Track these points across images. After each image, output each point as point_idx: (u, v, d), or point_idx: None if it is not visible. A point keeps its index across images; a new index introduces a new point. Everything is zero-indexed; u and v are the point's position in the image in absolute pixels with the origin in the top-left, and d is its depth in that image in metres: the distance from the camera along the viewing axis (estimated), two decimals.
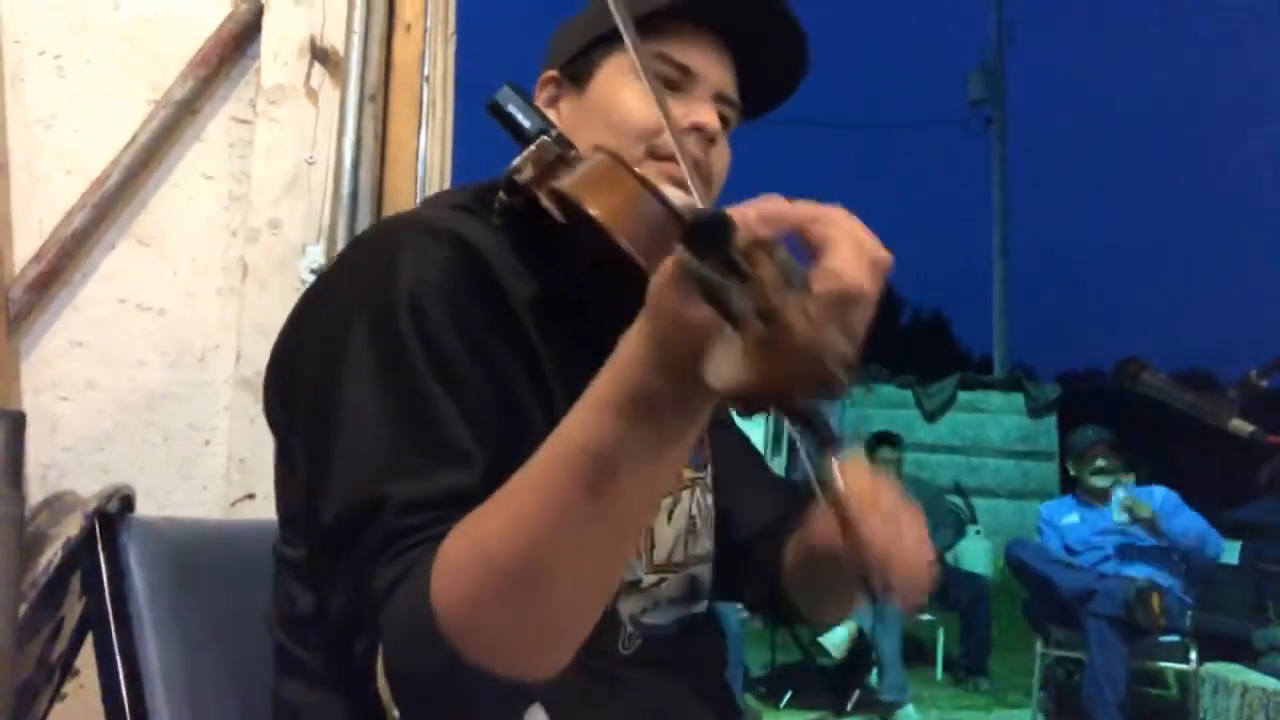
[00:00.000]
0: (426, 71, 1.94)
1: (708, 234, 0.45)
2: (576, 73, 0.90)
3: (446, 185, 1.92)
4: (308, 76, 1.89)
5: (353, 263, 0.81)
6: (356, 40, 1.87)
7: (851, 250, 0.51)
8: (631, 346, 0.55)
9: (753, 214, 0.51)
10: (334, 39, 1.89)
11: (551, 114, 0.90)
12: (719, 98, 0.88)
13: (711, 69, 0.87)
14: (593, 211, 0.68)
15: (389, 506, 0.66)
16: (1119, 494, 4.12)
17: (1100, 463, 4.23)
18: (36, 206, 1.82)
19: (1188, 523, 4.01)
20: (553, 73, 0.93)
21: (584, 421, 0.57)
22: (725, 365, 0.46)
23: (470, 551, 0.61)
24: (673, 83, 0.85)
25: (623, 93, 0.86)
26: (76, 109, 1.85)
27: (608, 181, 0.70)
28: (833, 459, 0.81)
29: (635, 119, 0.85)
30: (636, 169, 0.74)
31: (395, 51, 1.94)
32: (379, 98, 1.90)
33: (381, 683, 0.65)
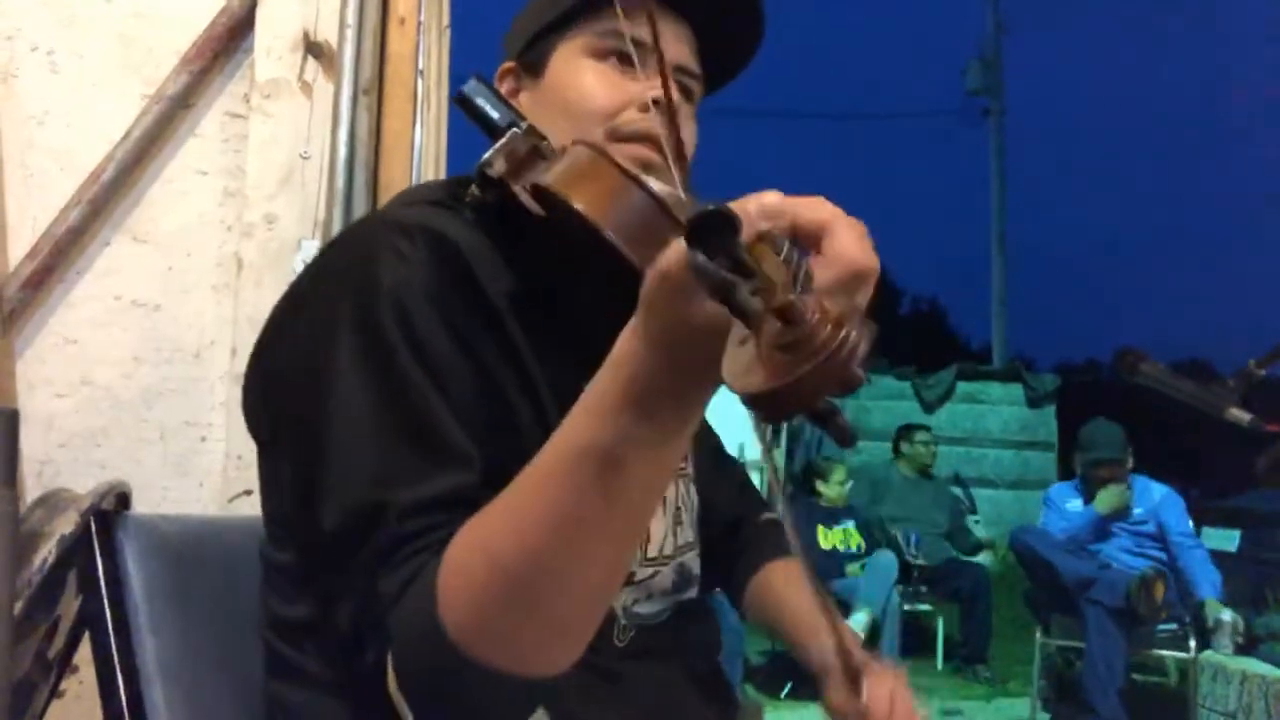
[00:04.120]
0: (421, 65, 1.94)
1: (715, 230, 0.43)
2: (532, 62, 0.90)
3: (442, 179, 1.92)
4: (302, 70, 1.88)
5: (332, 264, 0.80)
6: (350, 34, 1.87)
7: (848, 230, 0.50)
8: (630, 345, 0.54)
9: (753, 208, 0.50)
10: (328, 33, 1.89)
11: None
12: (678, 69, 0.88)
13: (666, 41, 0.85)
14: (578, 206, 0.67)
15: (391, 512, 0.65)
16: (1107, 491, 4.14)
17: (1112, 487, 4.19)
18: (30, 203, 1.82)
19: (1185, 525, 4.04)
20: (510, 64, 0.92)
21: (586, 422, 0.57)
22: (749, 371, 0.44)
23: (476, 557, 0.61)
24: (628, 59, 0.84)
25: (578, 76, 0.86)
26: (70, 105, 1.85)
27: (591, 175, 0.69)
28: (863, 680, 0.87)
29: (593, 102, 0.84)
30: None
31: (389, 45, 1.93)
32: (373, 91, 1.89)
33: (394, 689, 0.64)
